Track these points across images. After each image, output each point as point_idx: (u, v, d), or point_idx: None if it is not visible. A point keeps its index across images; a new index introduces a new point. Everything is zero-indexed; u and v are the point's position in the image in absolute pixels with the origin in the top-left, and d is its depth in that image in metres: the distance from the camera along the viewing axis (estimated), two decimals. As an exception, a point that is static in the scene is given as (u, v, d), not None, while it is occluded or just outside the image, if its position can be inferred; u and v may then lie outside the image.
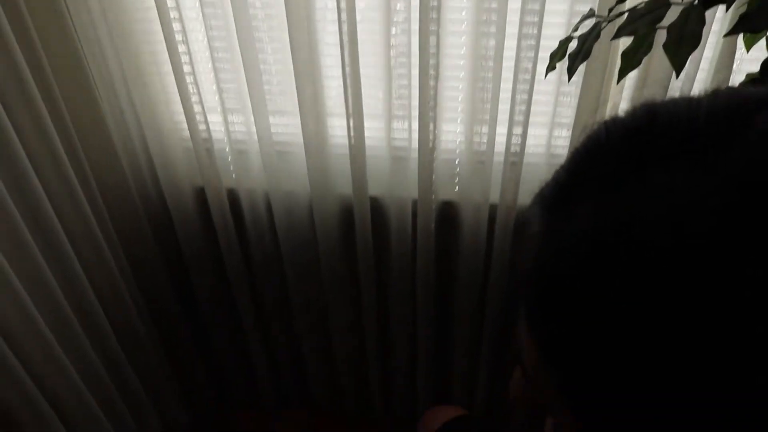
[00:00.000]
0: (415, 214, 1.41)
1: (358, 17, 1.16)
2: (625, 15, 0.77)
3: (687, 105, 0.32)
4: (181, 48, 1.25)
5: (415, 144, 1.32)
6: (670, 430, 0.31)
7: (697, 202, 0.28)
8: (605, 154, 0.33)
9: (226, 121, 1.37)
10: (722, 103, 0.31)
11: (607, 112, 1.15)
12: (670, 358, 0.29)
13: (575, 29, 0.89)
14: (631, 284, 0.30)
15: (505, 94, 1.24)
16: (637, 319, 0.30)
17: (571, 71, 0.84)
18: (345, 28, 1.16)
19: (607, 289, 0.30)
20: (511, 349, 1.68)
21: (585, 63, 1.13)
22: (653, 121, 0.32)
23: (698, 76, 1.18)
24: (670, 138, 0.31)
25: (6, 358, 1.05)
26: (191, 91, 1.30)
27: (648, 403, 0.31)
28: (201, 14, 1.25)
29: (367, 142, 1.31)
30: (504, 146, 1.29)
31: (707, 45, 1.15)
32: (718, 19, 1.14)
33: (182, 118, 1.35)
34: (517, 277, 0.38)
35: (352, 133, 1.28)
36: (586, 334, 0.32)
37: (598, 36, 0.82)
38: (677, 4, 0.73)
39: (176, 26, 1.23)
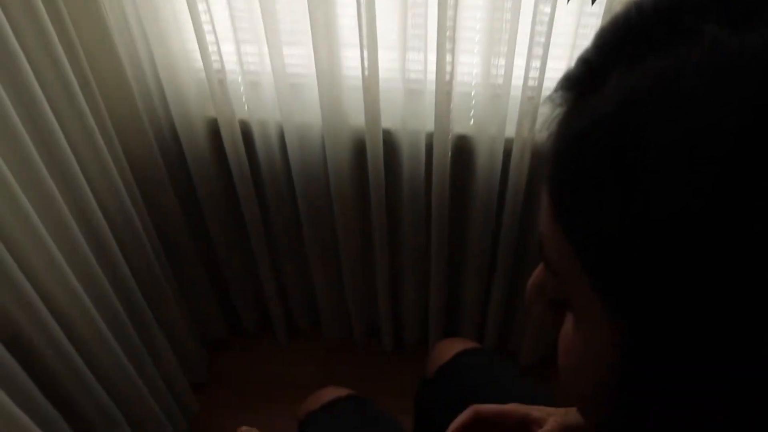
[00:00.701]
0: (429, 148, 1.40)
1: (374, -56, 1.13)
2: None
3: None
4: (193, -25, 1.22)
5: (430, 76, 1.29)
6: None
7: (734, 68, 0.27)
8: (636, 29, 0.32)
9: (239, 51, 1.34)
10: None
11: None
12: (702, 239, 0.28)
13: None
14: (661, 157, 0.28)
15: (524, 27, 1.21)
16: (668, 193, 0.28)
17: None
18: (361, -45, 1.13)
19: (636, 162, 0.29)
20: (522, 282, 1.68)
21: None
22: None
23: None
24: (702, 11, 0.30)
25: (18, 283, 1.06)
26: (204, 19, 1.27)
27: (686, 289, 0.29)
28: (213, -61, 1.22)
29: (381, 73, 1.29)
30: (521, 79, 1.26)
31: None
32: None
33: (194, 47, 1.33)
34: (542, 162, 0.36)
35: (366, 64, 1.26)
36: (614, 213, 0.31)
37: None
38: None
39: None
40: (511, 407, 0.84)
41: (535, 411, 0.83)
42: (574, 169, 0.33)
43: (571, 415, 0.80)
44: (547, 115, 0.36)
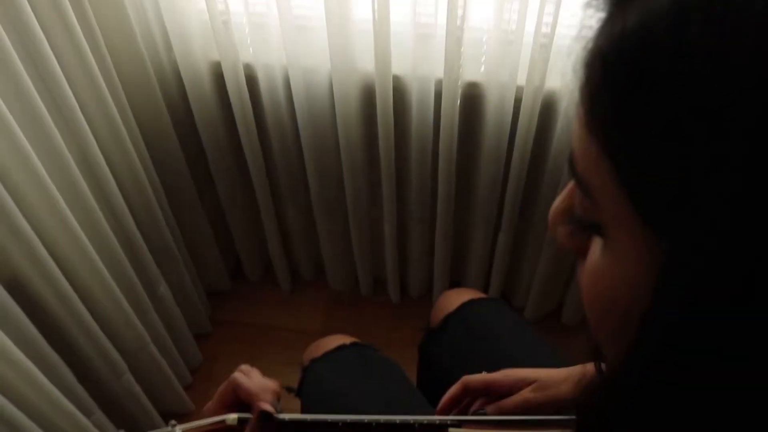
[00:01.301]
0: (438, 95, 1.37)
1: None
2: None
3: None
4: None
5: (441, 21, 1.25)
6: None
7: None
8: None
9: (244, -8, 1.31)
10: None
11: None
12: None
13: None
14: (729, 50, 0.26)
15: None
16: (736, 90, 0.26)
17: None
18: None
19: (697, 58, 0.27)
20: (529, 235, 1.67)
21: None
22: None
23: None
24: None
25: (19, 227, 1.04)
26: (208, -43, 1.24)
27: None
28: None
29: (392, 17, 1.25)
30: (534, 26, 1.23)
31: None
32: None
33: (198, -13, 1.29)
34: (582, 61, 0.33)
35: (376, 7, 1.22)
36: (661, 117, 0.28)
37: None
38: None
39: None
40: (501, 375, 0.84)
41: (530, 374, 0.82)
42: (621, 72, 0.30)
43: (554, 380, 0.80)
44: (583, 20, 0.34)
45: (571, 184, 0.41)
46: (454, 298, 1.16)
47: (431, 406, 1.05)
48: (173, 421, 0.68)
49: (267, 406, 0.69)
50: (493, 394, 0.83)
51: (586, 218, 0.37)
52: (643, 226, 0.31)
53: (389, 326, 1.91)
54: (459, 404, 0.84)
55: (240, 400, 0.76)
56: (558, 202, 0.42)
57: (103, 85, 1.23)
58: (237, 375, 0.76)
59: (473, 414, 0.79)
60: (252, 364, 0.79)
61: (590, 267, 0.38)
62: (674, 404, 0.32)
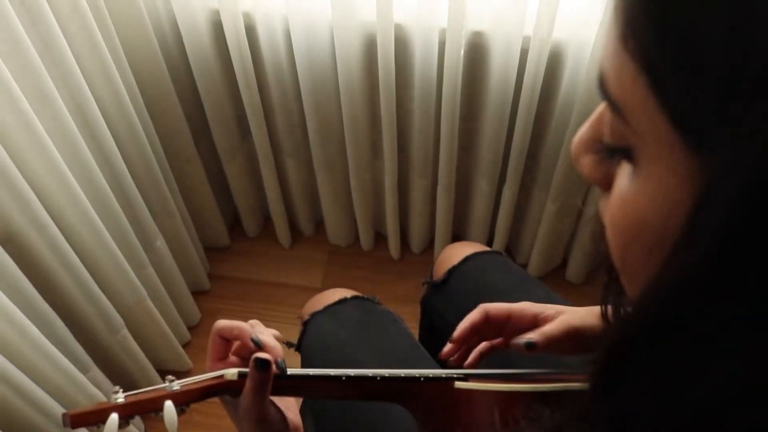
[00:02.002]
0: (442, 44, 1.33)
1: None
2: None
3: None
4: None
5: (446, -34, 1.21)
6: None
7: None
8: None
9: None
10: None
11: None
12: None
13: None
14: None
15: None
16: None
17: None
18: None
19: None
20: (534, 190, 1.64)
21: None
22: None
23: None
24: None
25: (13, 181, 1.02)
26: None
27: None
28: None
29: (394, -38, 1.21)
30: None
31: None
32: None
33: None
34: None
35: (378, -48, 1.18)
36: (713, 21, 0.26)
37: None
38: None
39: None
40: (521, 306, 0.81)
41: (548, 309, 0.79)
42: None
43: (581, 315, 0.77)
44: None
45: (597, 112, 0.39)
46: (458, 252, 1.14)
47: (434, 360, 1.03)
48: (171, 377, 0.65)
49: (264, 355, 0.66)
50: (511, 327, 0.81)
51: (616, 144, 0.34)
52: (683, 144, 0.29)
53: (390, 281, 1.89)
54: (477, 334, 0.81)
55: (241, 355, 0.74)
56: (582, 131, 0.40)
57: (99, 36, 1.19)
58: (218, 321, 0.74)
59: (518, 341, 0.76)
60: (251, 319, 0.77)
61: (618, 196, 0.35)
62: (695, 352, 0.30)
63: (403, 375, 0.71)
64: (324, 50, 1.40)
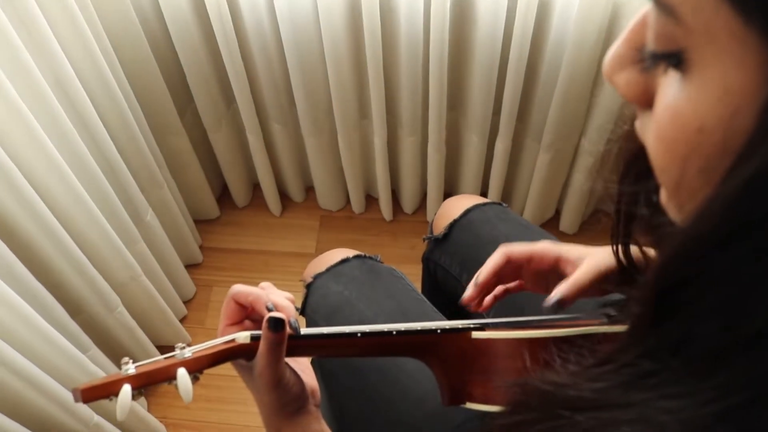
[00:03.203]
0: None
1: None
2: None
3: None
4: None
5: None
6: None
7: None
8: None
9: None
10: None
11: None
12: None
13: None
14: None
15: None
16: None
17: None
18: None
19: None
20: (525, 142, 1.62)
21: None
22: None
23: None
24: None
25: (3, 164, 0.99)
26: None
27: None
28: None
29: None
30: None
31: None
32: None
33: None
34: None
35: None
36: None
37: None
38: None
39: None
40: (543, 247, 0.79)
41: (570, 251, 0.77)
42: None
43: (604, 256, 0.75)
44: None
45: (633, 23, 0.36)
46: (457, 205, 1.12)
47: (442, 313, 1.02)
48: (181, 344, 0.63)
49: (278, 314, 0.64)
50: (531, 269, 0.79)
51: (664, 49, 0.32)
52: (752, 33, 0.27)
53: (383, 243, 1.87)
54: (497, 277, 0.80)
55: (254, 318, 0.72)
56: (617, 47, 0.37)
57: (78, 11, 1.15)
58: (234, 285, 0.71)
59: (549, 302, 0.74)
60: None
61: (667, 108, 0.33)
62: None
63: (419, 328, 0.70)
64: (307, 9, 1.36)
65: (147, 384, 0.60)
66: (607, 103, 1.44)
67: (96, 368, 1.25)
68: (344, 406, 0.93)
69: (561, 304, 0.73)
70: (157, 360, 0.62)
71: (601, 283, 0.73)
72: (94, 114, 1.24)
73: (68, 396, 1.14)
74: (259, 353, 0.64)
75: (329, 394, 0.96)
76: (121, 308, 1.37)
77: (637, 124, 0.39)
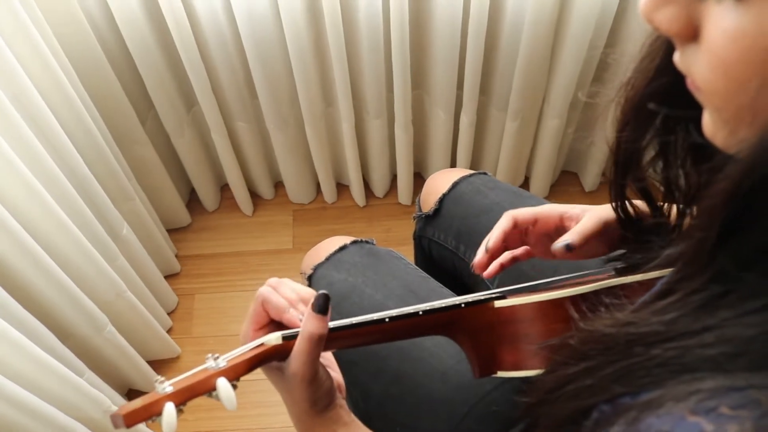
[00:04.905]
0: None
1: None
2: None
3: None
4: None
5: None
6: None
7: None
8: None
9: None
10: None
11: None
12: None
13: None
14: None
15: None
16: None
17: None
18: None
19: None
20: (491, 110, 1.63)
21: None
22: None
23: None
24: None
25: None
26: None
27: None
28: None
29: None
30: None
31: None
32: None
33: None
34: None
35: None
36: None
37: None
38: None
39: None
40: (546, 208, 0.80)
41: (572, 208, 0.79)
42: None
43: (605, 209, 0.76)
44: None
45: None
46: (444, 180, 1.12)
47: (447, 288, 1.02)
48: (212, 354, 0.62)
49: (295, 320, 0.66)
50: (536, 232, 0.80)
51: None
52: None
53: (359, 230, 1.87)
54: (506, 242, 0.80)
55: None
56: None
57: (30, 22, 1.11)
58: (263, 290, 0.70)
59: (558, 246, 0.75)
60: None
61: (725, 35, 0.34)
62: None
63: (444, 305, 0.70)
64: (263, 1, 1.34)
65: (189, 399, 0.58)
66: (567, 65, 1.45)
67: (95, 392, 1.22)
68: (368, 392, 0.93)
69: (569, 249, 0.74)
70: (192, 374, 0.60)
71: (604, 236, 0.74)
72: (61, 131, 1.20)
73: (71, 424, 1.12)
74: (297, 351, 0.63)
75: (349, 382, 0.95)
76: (110, 327, 1.34)
77: (677, 58, 0.39)
